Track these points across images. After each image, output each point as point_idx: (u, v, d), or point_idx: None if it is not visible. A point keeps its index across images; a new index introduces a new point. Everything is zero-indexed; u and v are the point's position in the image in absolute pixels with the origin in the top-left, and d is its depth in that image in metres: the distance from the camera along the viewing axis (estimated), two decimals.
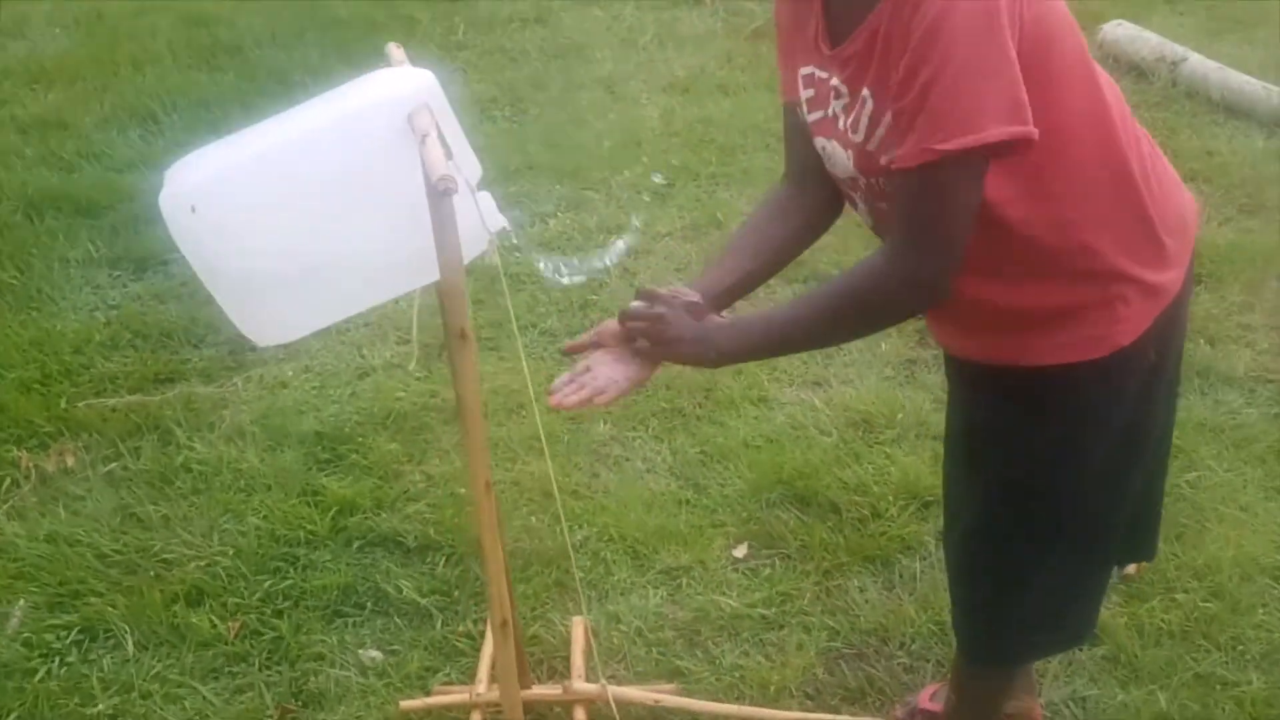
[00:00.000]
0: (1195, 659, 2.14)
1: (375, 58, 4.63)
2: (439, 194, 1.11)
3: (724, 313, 1.49)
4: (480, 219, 1.42)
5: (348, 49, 4.78)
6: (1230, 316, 3.01)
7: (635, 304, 1.46)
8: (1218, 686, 2.10)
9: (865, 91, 1.30)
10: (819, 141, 1.45)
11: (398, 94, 1.26)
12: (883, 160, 1.31)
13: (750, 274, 1.55)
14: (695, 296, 1.45)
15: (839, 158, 1.41)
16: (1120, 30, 4.24)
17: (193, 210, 1.26)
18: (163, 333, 3.14)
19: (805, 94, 1.44)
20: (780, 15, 1.51)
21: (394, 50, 1.39)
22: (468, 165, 1.39)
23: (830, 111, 1.38)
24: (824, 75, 1.38)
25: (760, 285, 1.58)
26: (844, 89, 1.35)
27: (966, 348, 1.57)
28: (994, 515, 1.62)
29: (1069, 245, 1.38)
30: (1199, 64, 4.04)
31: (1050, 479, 1.53)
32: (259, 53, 4.78)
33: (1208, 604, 2.24)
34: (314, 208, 1.28)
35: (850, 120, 1.34)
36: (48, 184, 3.83)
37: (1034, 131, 1.20)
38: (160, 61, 4.70)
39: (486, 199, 1.44)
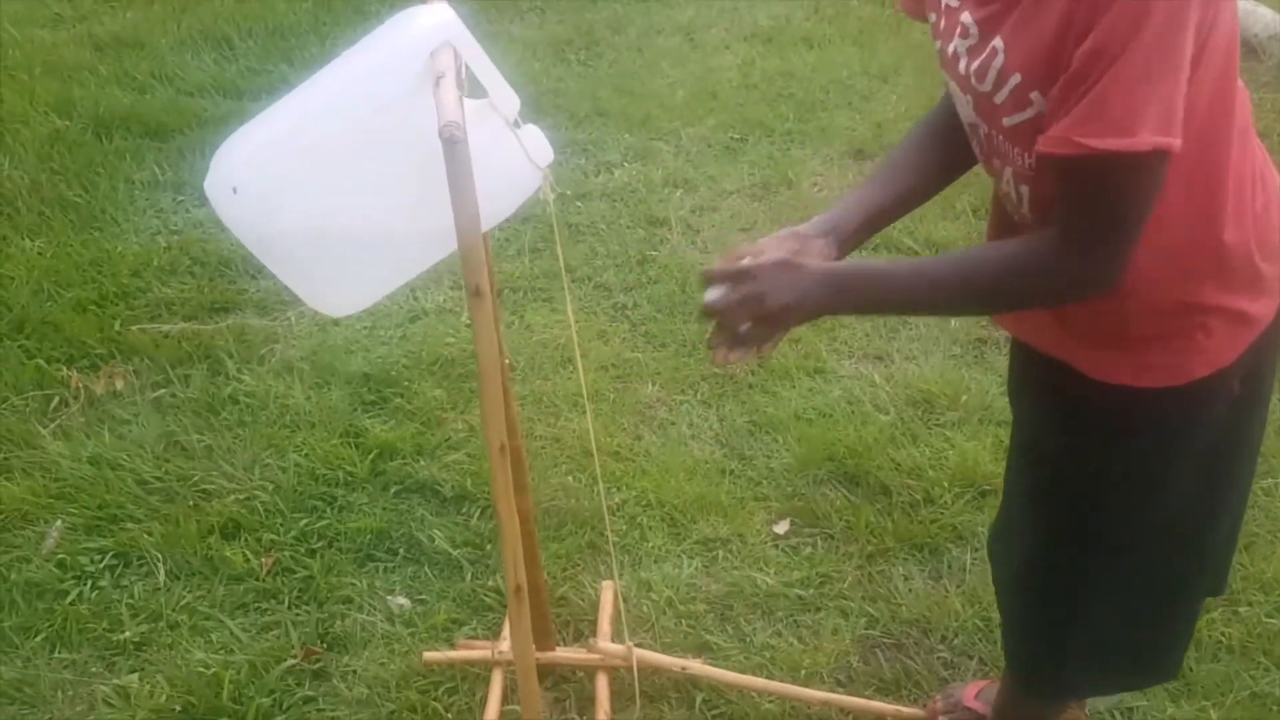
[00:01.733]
0: (1254, 676, 2.03)
1: None
2: (446, 141, 1.03)
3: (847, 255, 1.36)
4: (526, 155, 1.34)
5: None
6: None
7: (713, 293, 1.26)
8: (1275, 707, 1.98)
9: (999, 41, 1.18)
10: (945, 75, 1.32)
11: (416, 37, 1.18)
12: (1005, 121, 1.20)
13: (901, 201, 1.43)
14: (779, 252, 1.30)
15: (960, 101, 1.29)
16: None
17: (234, 191, 1.21)
18: (221, 261, 3.14)
19: (930, 18, 1.31)
20: None
21: None
22: (503, 100, 1.31)
23: (952, 48, 1.25)
24: (954, 4, 1.25)
25: (911, 210, 1.45)
26: (974, 29, 1.21)
27: (1047, 341, 1.44)
28: (1061, 535, 1.51)
29: (1141, 271, 1.25)
30: None
31: (1125, 505, 1.43)
32: None
33: (1272, 619, 2.12)
34: (354, 173, 1.22)
35: (976, 67, 1.21)
36: (119, 103, 3.84)
37: (1178, 145, 1.09)
38: None
39: (533, 132, 1.35)
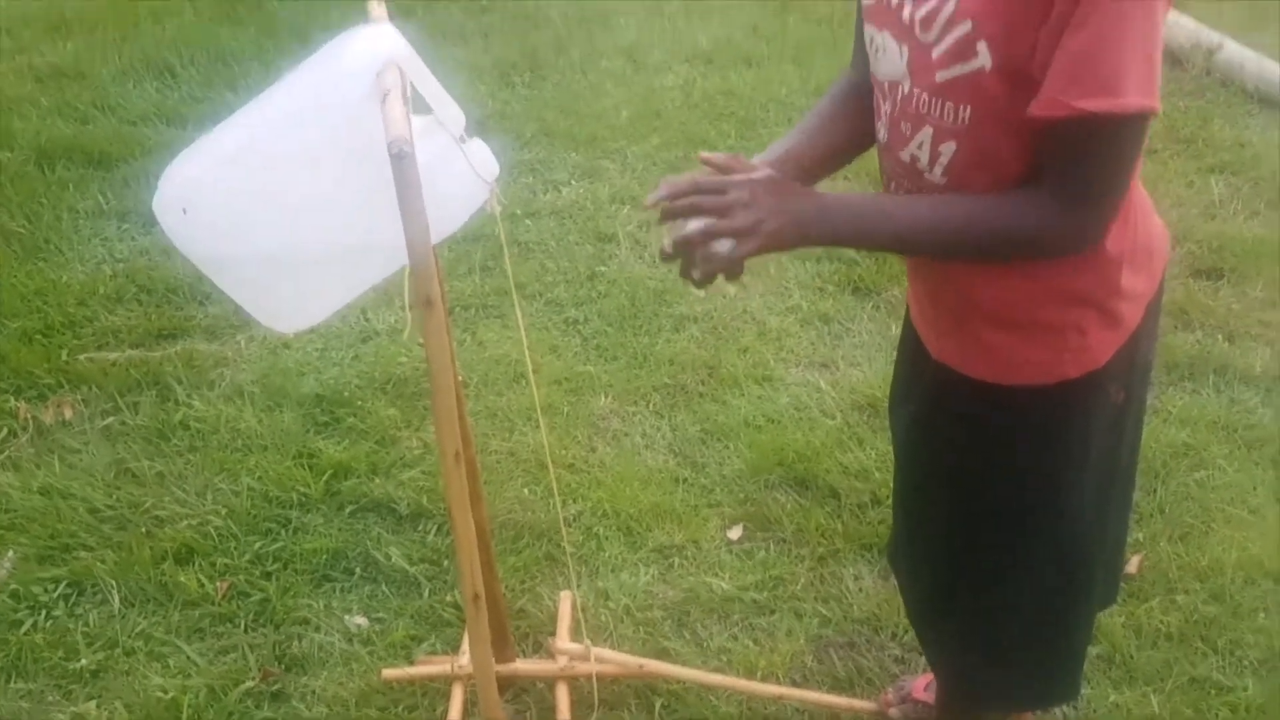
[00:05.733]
0: (1192, 662, 2.10)
1: (398, 18, 4.57)
2: (394, 157, 1.06)
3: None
4: (473, 168, 1.37)
5: (368, 8, 4.73)
6: (1251, 313, 2.94)
7: (695, 225, 1.15)
8: (1212, 691, 2.05)
9: None
10: (869, 31, 1.32)
11: (362, 57, 1.21)
12: (940, 75, 1.22)
13: (828, 154, 1.41)
14: (764, 169, 1.24)
15: (890, 54, 1.28)
16: None
17: (184, 212, 1.23)
18: (168, 288, 3.13)
19: None
20: None
21: (374, 6, 1.34)
22: (449, 115, 1.34)
23: None
24: None
25: (834, 170, 1.42)
26: None
27: (943, 348, 1.50)
28: (965, 542, 1.56)
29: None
30: (1235, 52, 3.93)
31: (1022, 515, 1.49)
32: (280, 8, 4.74)
33: (1208, 606, 2.20)
34: (302, 191, 1.24)
35: (923, 15, 1.20)
36: (61, 134, 3.81)
37: (1159, 108, 1.14)
38: (180, 14, 4.67)
39: (478, 146, 1.38)
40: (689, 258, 1.17)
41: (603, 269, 3.27)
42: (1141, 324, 1.39)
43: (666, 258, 1.18)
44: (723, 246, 1.15)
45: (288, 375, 2.82)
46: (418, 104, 1.31)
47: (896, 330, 3.02)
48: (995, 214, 1.25)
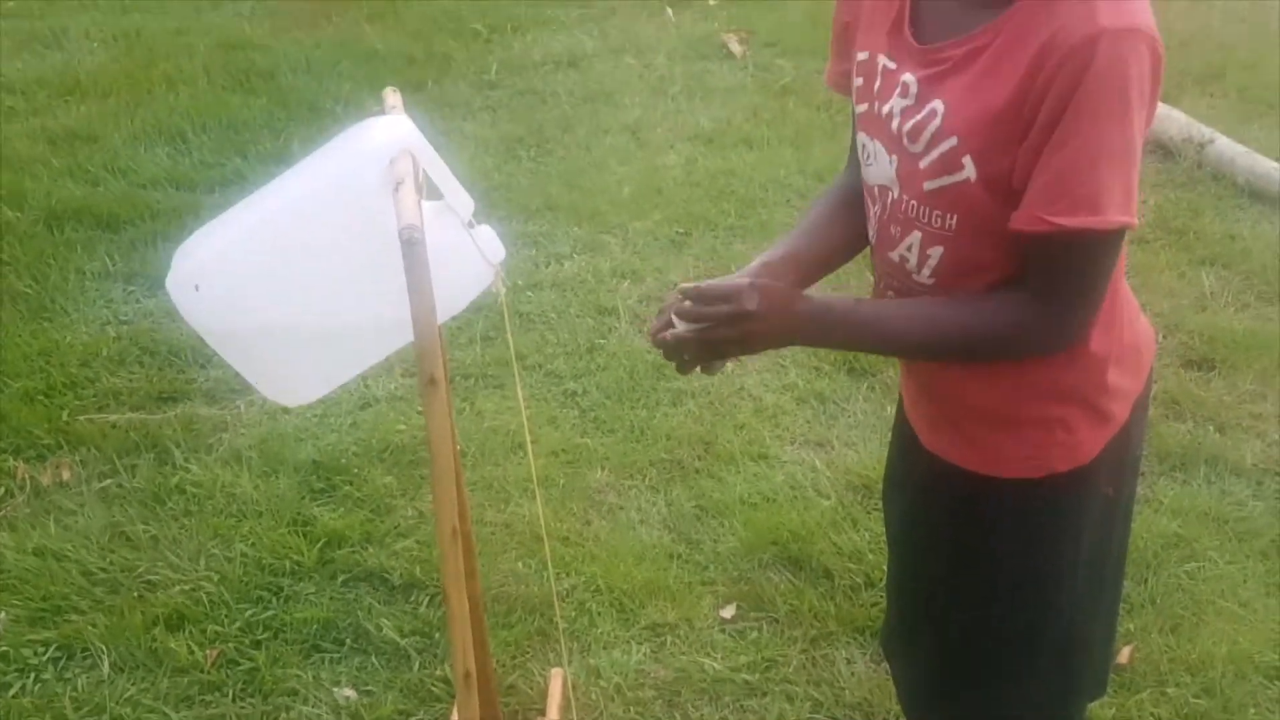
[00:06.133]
0: None
1: (407, 92, 4.67)
2: (405, 243, 1.10)
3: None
4: (480, 253, 1.42)
5: (380, 82, 4.79)
6: (1242, 405, 2.97)
7: (698, 305, 1.23)
8: None
9: (938, 103, 1.24)
10: (861, 138, 1.38)
11: (377, 146, 1.26)
12: (926, 185, 1.27)
13: (820, 259, 1.45)
14: (763, 280, 1.29)
15: (880, 161, 1.34)
16: None
17: (196, 289, 1.27)
18: (171, 351, 3.15)
19: (855, 81, 1.38)
20: None
21: (389, 95, 1.40)
22: (459, 202, 1.38)
23: (886, 109, 1.30)
24: (892, 66, 1.30)
25: (827, 273, 1.47)
26: (914, 89, 1.27)
27: (934, 438, 1.52)
28: (957, 632, 1.57)
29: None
30: (1226, 147, 4.02)
31: (1017, 608, 1.50)
32: (293, 79, 4.83)
33: (1199, 700, 2.19)
34: (313, 270, 1.29)
35: (910, 127, 1.27)
36: (71, 196, 3.87)
37: (1137, 223, 1.20)
38: (194, 82, 4.76)
39: (486, 232, 1.43)
40: (678, 356, 1.28)
41: (602, 342, 3.30)
42: (1130, 420, 1.42)
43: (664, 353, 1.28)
44: (716, 363, 1.28)
45: (285, 441, 2.84)
46: (429, 189, 1.36)
47: (891, 411, 3.03)
48: (978, 318, 1.31)
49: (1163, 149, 4.13)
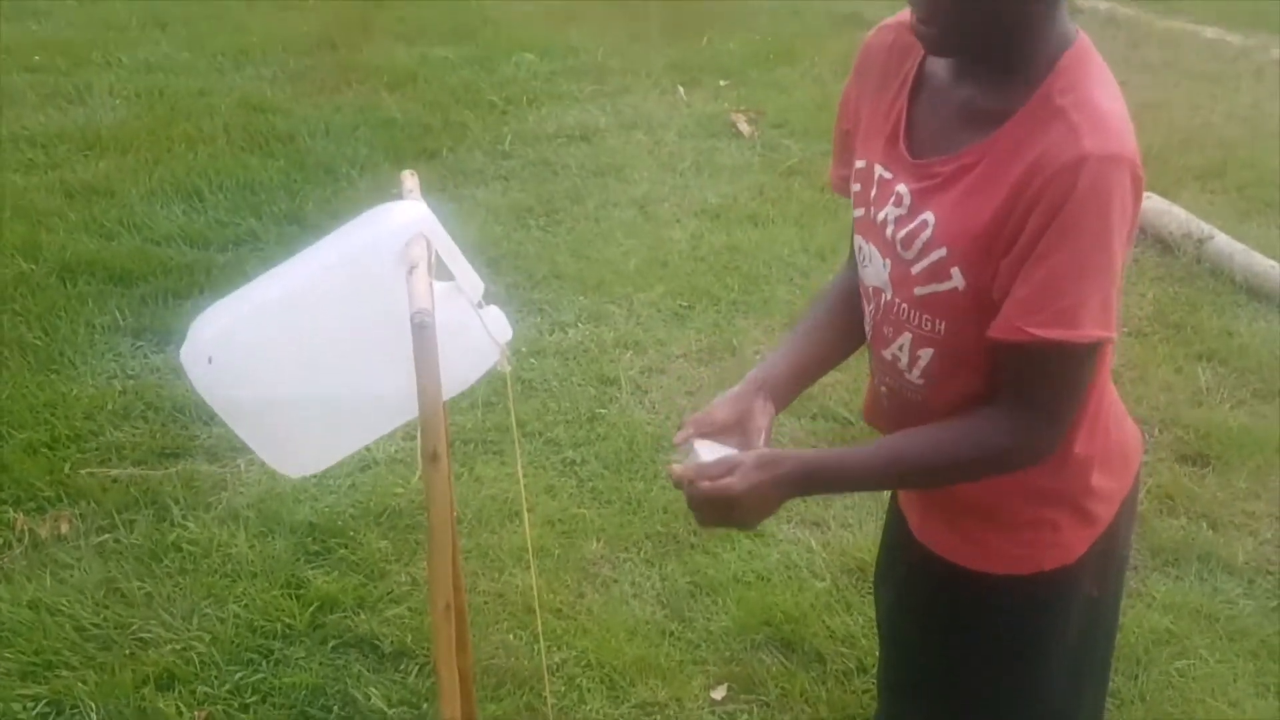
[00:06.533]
0: None
1: (423, 160, 4.75)
2: (416, 327, 1.14)
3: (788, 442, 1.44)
4: (487, 333, 1.46)
5: (397, 148, 4.93)
6: (1236, 502, 2.98)
7: (698, 487, 1.31)
8: None
9: (929, 215, 1.29)
10: (858, 240, 1.43)
11: (393, 229, 1.31)
12: (917, 290, 1.32)
13: (820, 360, 1.52)
14: (746, 453, 1.35)
15: (875, 264, 1.39)
16: (1149, 203, 4.29)
17: (209, 361, 1.31)
18: (175, 406, 3.18)
19: (854, 187, 1.43)
20: (852, 102, 1.45)
21: (407, 178, 1.45)
22: (470, 284, 1.43)
23: (881, 215, 1.35)
24: (888, 176, 1.35)
25: (828, 371, 1.54)
26: (908, 199, 1.32)
27: (925, 531, 1.55)
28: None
29: None
30: (1225, 243, 4.08)
31: (997, 692, 1.51)
32: (311, 143, 4.92)
33: None
34: (325, 348, 1.33)
35: (904, 235, 1.32)
36: (85, 249, 3.93)
37: (1114, 336, 1.24)
38: (213, 141, 4.86)
39: (494, 313, 1.47)
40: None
41: (603, 411, 3.33)
42: (1115, 521, 1.45)
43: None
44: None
45: (283, 501, 2.85)
46: (441, 269, 1.40)
47: (886, 493, 3.06)
48: (956, 445, 1.34)
49: (1162, 243, 4.19)
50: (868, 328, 1.46)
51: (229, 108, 5.21)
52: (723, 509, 1.30)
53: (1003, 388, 1.30)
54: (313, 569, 2.64)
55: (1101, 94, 1.22)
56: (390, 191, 1.50)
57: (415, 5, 7.07)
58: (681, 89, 5.78)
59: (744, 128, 5.32)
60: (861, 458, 1.42)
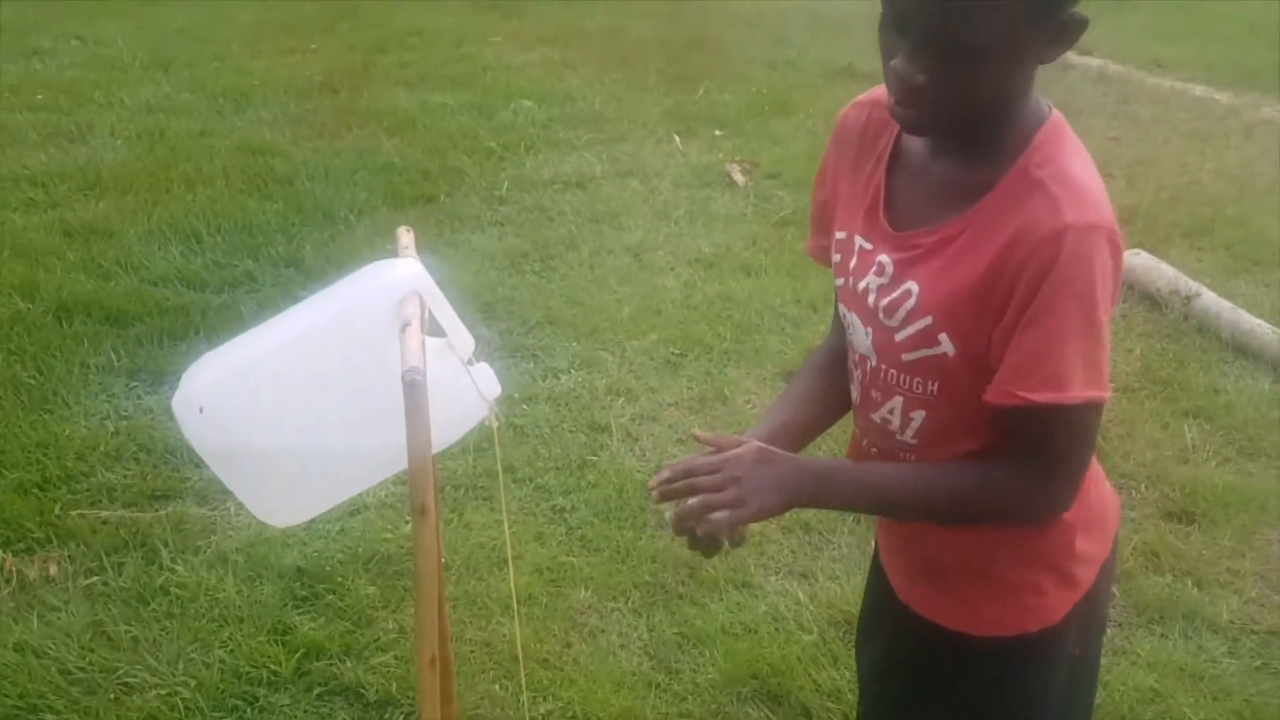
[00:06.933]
0: None
1: (420, 203, 4.76)
2: (408, 384, 1.16)
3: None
4: (476, 390, 1.48)
5: (395, 193, 4.98)
6: (1220, 560, 2.99)
7: (692, 469, 1.30)
8: None
9: (913, 284, 1.32)
10: (841, 308, 1.46)
11: (387, 286, 1.34)
12: (904, 357, 1.34)
13: (806, 428, 1.52)
14: (753, 442, 1.36)
15: (858, 332, 1.41)
16: (1138, 260, 4.35)
17: (200, 411, 1.33)
18: (167, 448, 3.19)
19: (834, 257, 1.45)
20: (830, 174, 1.48)
21: (403, 234, 1.48)
22: (460, 341, 1.45)
23: (863, 285, 1.38)
24: (869, 247, 1.38)
25: (815, 438, 1.54)
26: (890, 269, 1.35)
27: (909, 592, 1.56)
28: None
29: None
30: (1212, 301, 4.12)
31: None
32: (310, 186, 4.98)
33: None
34: (316, 400, 1.35)
35: (886, 304, 1.34)
36: (83, 289, 3.96)
37: (1107, 395, 1.27)
38: (213, 183, 4.91)
39: (484, 370, 1.49)
40: (691, 530, 1.29)
41: (594, 459, 3.34)
42: (1096, 584, 1.47)
43: (677, 532, 1.31)
44: (719, 516, 1.26)
45: (272, 546, 2.85)
46: (433, 327, 1.42)
47: (873, 545, 3.07)
48: (972, 486, 1.36)
49: (1150, 300, 4.24)
50: (855, 392, 1.48)
51: (229, 150, 5.27)
52: (731, 467, 1.29)
53: (1014, 447, 1.33)
54: (299, 614, 2.64)
55: (1078, 167, 1.26)
56: (388, 236, 1.53)
57: (416, 52, 7.19)
58: (677, 138, 5.86)
59: (738, 178, 5.39)
60: (885, 471, 1.43)
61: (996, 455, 1.35)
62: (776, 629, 2.73)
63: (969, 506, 1.37)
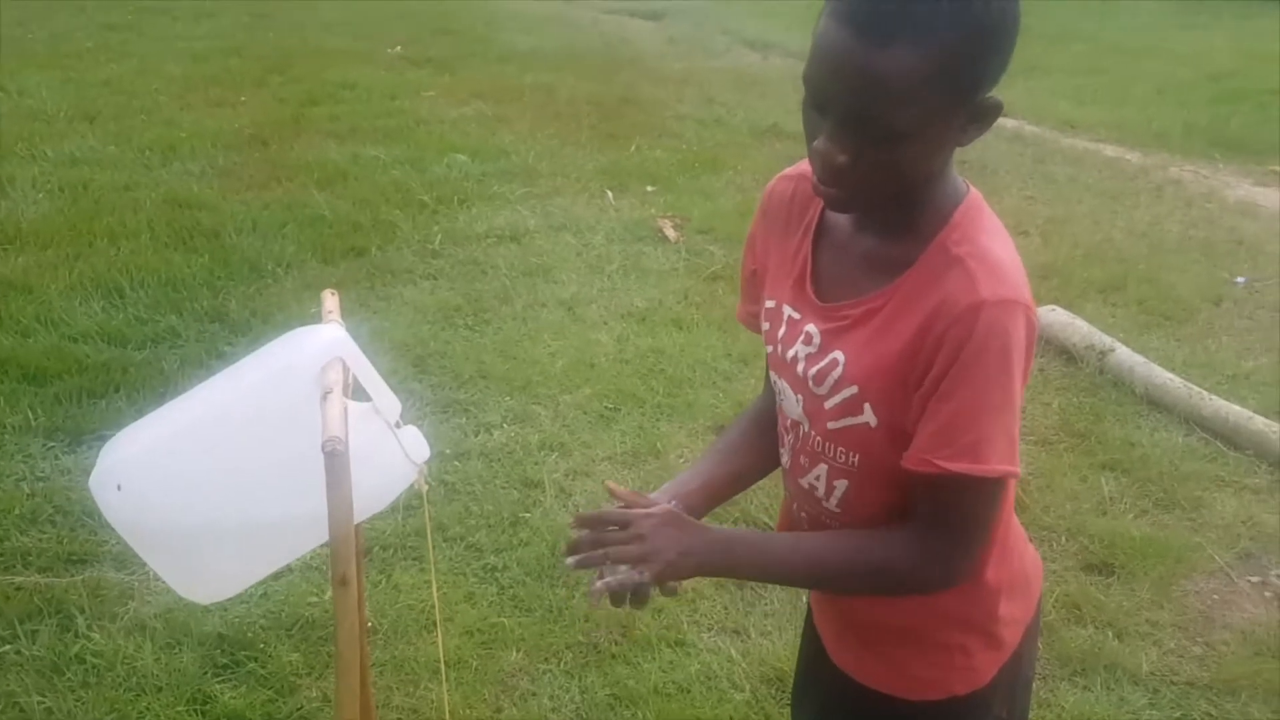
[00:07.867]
0: None
1: (350, 256, 4.72)
2: (328, 454, 1.16)
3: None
4: (404, 454, 1.47)
5: (325, 246, 4.94)
6: (1140, 611, 3.06)
7: (602, 519, 1.33)
8: None
9: (839, 354, 1.35)
10: (772, 375, 1.48)
11: (309, 353, 1.33)
12: (830, 425, 1.37)
13: (732, 480, 1.55)
14: (662, 503, 1.39)
15: (789, 399, 1.44)
16: (1054, 315, 4.48)
17: (119, 488, 1.31)
18: (85, 510, 3.10)
19: (764, 325, 1.48)
20: (759, 244, 1.51)
21: (327, 298, 1.47)
22: (387, 405, 1.45)
23: (791, 353, 1.41)
24: (797, 317, 1.41)
25: (740, 491, 1.57)
26: (817, 339, 1.38)
27: (840, 654, 1.59)
28: None
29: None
30: (1126, 356, 4.25)
31: None
32: (237, 239, 4.92)
33: None
34: (237, 474, 1.33)
35: (815, 372, 1.37)
36: None
37: (1019, 471, 1.30)
38: (137, 237, 4.82)
39: (411, 433, 1.49)
40: (595, 582, 1.31)
41: (526, 515, 3.32)
42: (1021, 645, 1.50)
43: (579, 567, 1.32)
44: (623, 571, 1.29)
45: (192, 611, 2.78)
46: (359, 391, 1.42)
47: (804, 600, 3.09)
48: (875, 555, 1.38)
49: (1066, 354, 4.36)
50: (785, 457, 1.51)
51: (154, 203, 5.19)
52: (639, 525, 1.31)
53: (919, 516, 1.36)
54: (220, 683, 2.57)
55: (995, 244, 1.30)
56: (317, 290, 1.52)
57: (348, 105, 7.18)
58: (610, 193, 5.92)
59: (670, 233, 5.45)
60: (787, 539, 1.46)
61: (899, 526, 1.37)
62: (709, 688, 2.72)
63: (866, 580, 1.40)
